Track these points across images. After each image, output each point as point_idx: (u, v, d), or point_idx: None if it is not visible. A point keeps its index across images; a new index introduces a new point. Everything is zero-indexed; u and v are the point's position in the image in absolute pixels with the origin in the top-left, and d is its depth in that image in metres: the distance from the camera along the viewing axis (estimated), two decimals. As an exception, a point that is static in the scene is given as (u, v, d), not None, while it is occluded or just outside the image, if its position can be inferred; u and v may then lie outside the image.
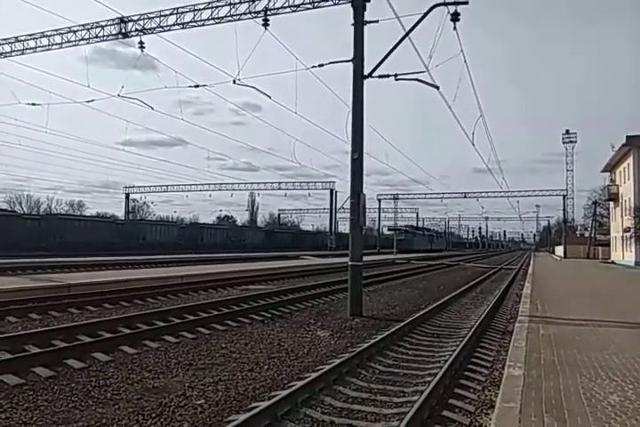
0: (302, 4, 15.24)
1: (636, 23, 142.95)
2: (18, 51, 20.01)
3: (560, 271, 28.01)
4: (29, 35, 19.71)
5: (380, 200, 76.54)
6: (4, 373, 5.58)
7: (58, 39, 19.33)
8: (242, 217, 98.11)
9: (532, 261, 40.20)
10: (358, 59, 11.21)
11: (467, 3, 11.06)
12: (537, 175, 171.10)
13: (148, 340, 7.57)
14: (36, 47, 19.75)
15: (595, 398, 4.43)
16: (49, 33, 19.35)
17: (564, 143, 66.22)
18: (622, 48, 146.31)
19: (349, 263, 11.23)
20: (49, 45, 19.55)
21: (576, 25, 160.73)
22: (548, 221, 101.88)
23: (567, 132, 66.56)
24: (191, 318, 9.51)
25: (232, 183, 61.17)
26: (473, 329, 8.46)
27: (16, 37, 19.92)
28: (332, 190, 61.40)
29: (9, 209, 55.57)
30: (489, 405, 4.94)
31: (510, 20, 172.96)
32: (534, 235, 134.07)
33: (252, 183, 63.13)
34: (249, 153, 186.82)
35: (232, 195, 63.97)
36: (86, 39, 18.92)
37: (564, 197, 64.24)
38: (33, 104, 21.62)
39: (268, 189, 62.60)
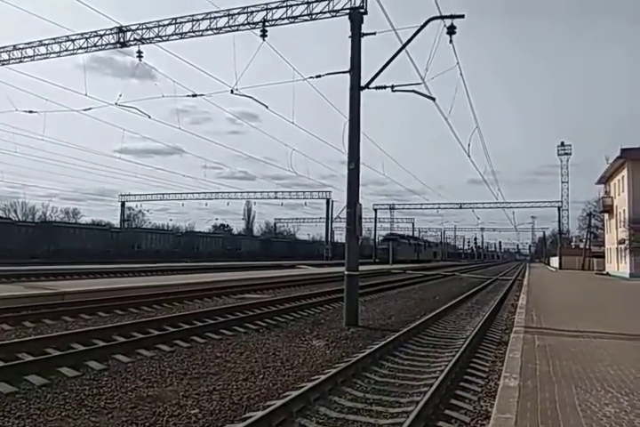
0: (300, 15, 15.37)
1: (632, 30, 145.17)
2: (16, 59, 20.05)
3: (555, 282, 28.05)
4: (27, 43, 19.77)
5: (376, 210, 76.58)
6: (-3, 381, 5.54)
7: (56, 48, 19.38)
8: (238, 226, 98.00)
9: (527, 272, 40.25)
10: (355, 70, 11.31)
11: (463, 16, 11.21)
12: (532, 187, 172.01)
13: (142, 348, 7.52)
14: (34, 55, 19.80)
15: (590, 409, 4.43)
16: (47, 41, 19.41)
17: (559, 155, 66.59)
18: (618, 59, 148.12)
19: (345, 273, 11.23)
20: (47, 54, 19.61)
21: (569, 36, 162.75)
22: (544, 233, 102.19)
23: (562, 144, 66.95)
24: (186, 326, 9.47)
25: (228, 192, 61.20)
26: (469, 340, 8.46)
27: (14, 46, 19.97)
28: (328, 200, 61.45)
29: (4, 216, 55.31)
30: (484, 415, 4.93)
31: (504, 32, 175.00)
32: (530, 246, 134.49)
33: (249, 192, 63.15)
34: (245, 162, 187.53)
35: (228, 203, 64.51)
36: (84, 48, 18.98)
37: (559, 208, 64.45)
38: (30, 112, 21.64)
39: (265, 198, 62.67)
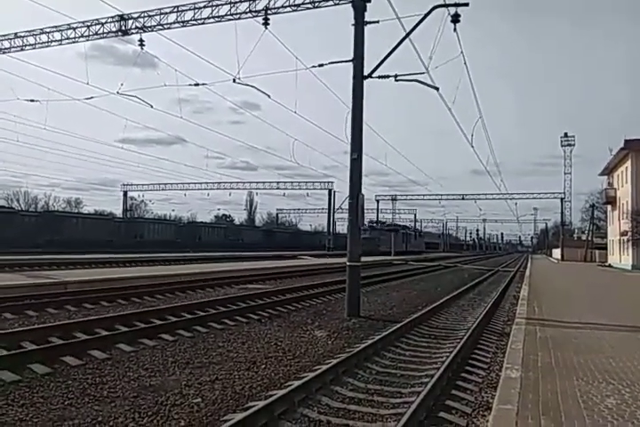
0: (302, 3, 15.25)
1: (632, 25, 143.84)
2: (17, 47, 19.96)
3: (557, 274, 28.06)
4: (29, 31, 19.68)
5: (378, 201, 76.68)
6: (1, 369, 5.56)
7: (57, 36, 19.30)
8: (240, 216, 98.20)
9: (529, 264, 40.26)
10: (358, 59, 11.19)
11: (467, 4, 11.05)
12: (535, 178, 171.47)
13: (144, 338, 7.55)
14: (35, 44, 19.71)
15: (592, 400, 4.43)
16: (48, 29, 19.31)
17: (562, 146, 66.56)
18: (621, 50, 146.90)
19: (347, 264, 11.23)
20: (48, 42, 19.52)
21: (574, 27, 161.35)
22: (546, 224, 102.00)
23: (566, 135, 66.89)
24: (188, 316, 9.50)
25: (230, 182, 61.19)
26: (470, 331, 8.47)
27: (15, 33, 19.88)
28: (330, 190, 61.33)
29: (6, 206, 55.41)
30: (486, 406, 4.94)
31: (508, 23, 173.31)
32: (532, 237, 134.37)
33: (251, 182, 63.22)
34: (247, 152, 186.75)
35: (230, 194, 64.34)
36: (86, 36, 18.89)
37: (562, 199, 64.45)
38: (32, 101, 21.56)
39: (267, 188, 62.66)
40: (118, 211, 66.46)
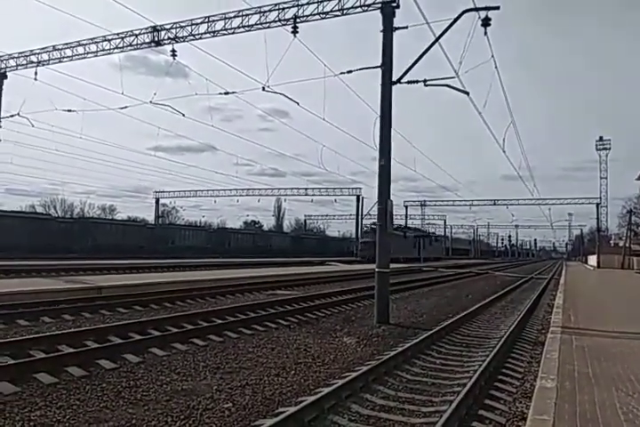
0: (331, 11, 15.31)
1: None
2: (55, 59, 20.65)
3: (593, 281, 27.23)
4: (66, 44, 20.33)
5: (407, 207, 76.05)
6: (40, 371, 5.73)
7: (93, 48, 19.86)
8: (268, 222, 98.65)
9: (563, 271, 39.21)
10: (387, 65, 11.19)
11: (498, 8, 10.93)
12: (569, 183, 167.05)
13: (176, 342, 7.66)
14: (72, 56, 20.34)
15: (632, 412, 4.28)
16: (85, 42, 19.92)
17: (597, 150, 64.45)
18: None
19: (376, 270, 11.15)
20: (85, 54, 20.12)
21: (603, 27, 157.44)
22: (581, 230, 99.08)
23: (601, 138, 64.71)
24: (219, 321, 9.59)
25: (259, 189, 61.61)
26: (503, 339, 8.29)
27: (53, 46, 20.57)
28: (358, 196, 61.11)
29: (44, 212, 57.21)
30: (520, 417, 4.83)
31: (536, 27, 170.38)
32: (566, 244, 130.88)
33: (279, 189, 63.47)
34: (276, 159, 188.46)
35: (259, 200, 64.68)
36: (120, 47, 19.40)
37: (598, 205, 62.51)
38: (69, 111, 22.21)
39: (295, 194, 62.80)
40: (150, 217, 67.74)
